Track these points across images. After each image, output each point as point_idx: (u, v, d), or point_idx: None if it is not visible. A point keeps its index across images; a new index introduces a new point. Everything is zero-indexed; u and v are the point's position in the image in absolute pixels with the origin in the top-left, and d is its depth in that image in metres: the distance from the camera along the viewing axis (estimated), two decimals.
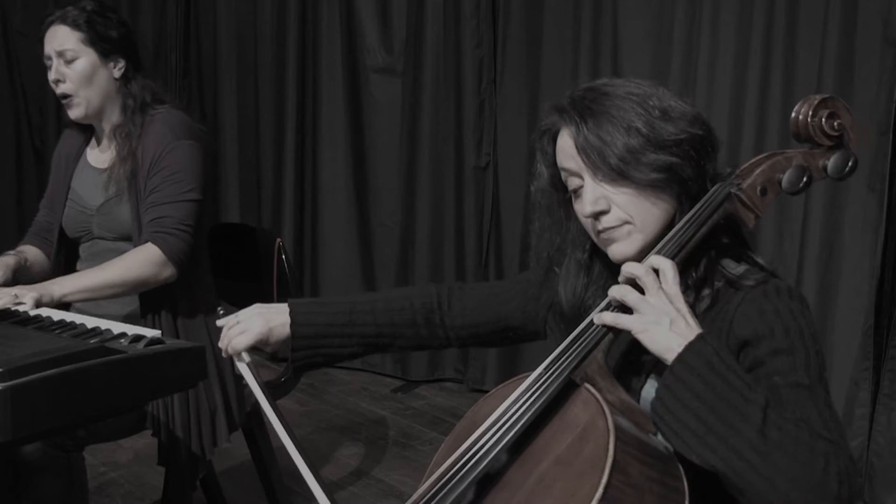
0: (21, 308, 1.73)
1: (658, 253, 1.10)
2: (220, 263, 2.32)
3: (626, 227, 1.14)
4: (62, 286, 1.85)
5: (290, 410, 3.32)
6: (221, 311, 1.47)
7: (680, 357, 1.00)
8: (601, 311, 1.09)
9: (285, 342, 1.39)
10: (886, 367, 2.53)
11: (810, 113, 1.15)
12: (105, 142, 2.09)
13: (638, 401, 1.13)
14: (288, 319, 1.38)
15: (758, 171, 1.16)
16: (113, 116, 2.05)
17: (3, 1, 4.44)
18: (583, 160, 1.13)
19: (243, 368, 1.37)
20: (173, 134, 1.99)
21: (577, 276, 1.26)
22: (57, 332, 1.56)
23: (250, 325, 1.37)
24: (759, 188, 1.15)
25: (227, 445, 2.12)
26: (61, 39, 1.99)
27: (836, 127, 1.15)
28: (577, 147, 1.14)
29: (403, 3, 3.70)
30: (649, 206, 1.14)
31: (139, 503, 2.69)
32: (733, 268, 1.16)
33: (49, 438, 1.81)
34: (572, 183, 1.18)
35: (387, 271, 3.91)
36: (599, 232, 1.17)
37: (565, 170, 1.18)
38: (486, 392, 4.01)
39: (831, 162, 1.17)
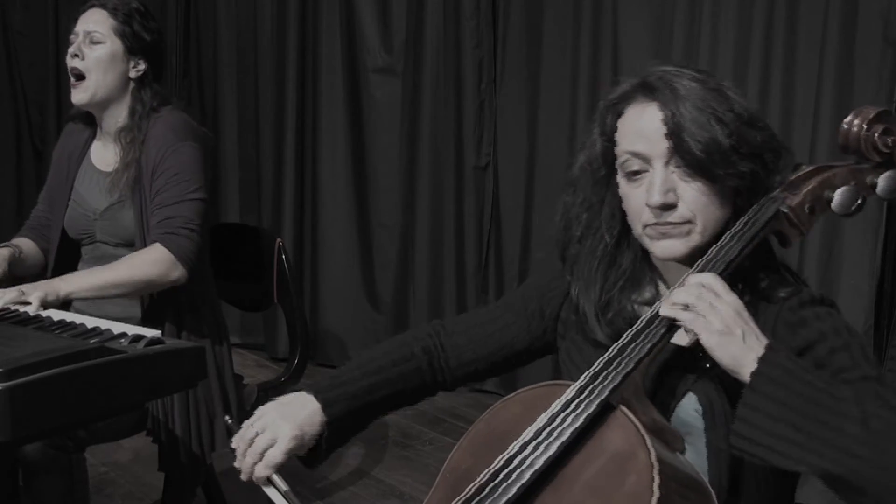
0: (27, 308, 1.72)
1: (703, 269, 1.06)
2: (219, 263, 2.31)
3: (687, 227, 1.10)
4: (69, 283, 1.84)
5: None
6: (230, 422, 1.26)
7: (758, 371, 0.97)
8: (663, 313, 1.03)
9: (316, 436, 1.20)
10: (886, 367, 2.53)
11: (864, 126, 1.10)
12: (109, 142, 2.08)
13: (669, 419, 1.10)
14: (311, 410, 1.20)
15: (807, 188, 1.11)
16: (119, 116, 2.04)
17: (3, 1, 4.43)
18: (669, 144, 1.07)
19: (277, 497, 1.12)
20: (175, 135, 1.98)
21: (602, 262, 1.20)
22: (57, 332, 1.56)
23: (278, 433, 1.15)
24: (807, 206, 1.11)
25: (227, 448, 2.12)
26: (94, 21, 2.00)
27: (889, 144, 1.10)
28: (666, 129, 1.07)
29: (403, 3, 3.70)
30: (715, 209, 1.10)
31: (139, 503, 2.69)
32: (763, 279, 1.13)
33: (49, 438, 1.80)
34: (632, 164, 1.11)
35: (387, 271, 3.91)
36: (655, 224, 1.11)
37: (632, 152, 1.11)
38: (487, 392, 3.96)
39: (882, 180, 1.11)
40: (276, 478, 1.13)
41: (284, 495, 1.11)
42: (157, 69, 2.07)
